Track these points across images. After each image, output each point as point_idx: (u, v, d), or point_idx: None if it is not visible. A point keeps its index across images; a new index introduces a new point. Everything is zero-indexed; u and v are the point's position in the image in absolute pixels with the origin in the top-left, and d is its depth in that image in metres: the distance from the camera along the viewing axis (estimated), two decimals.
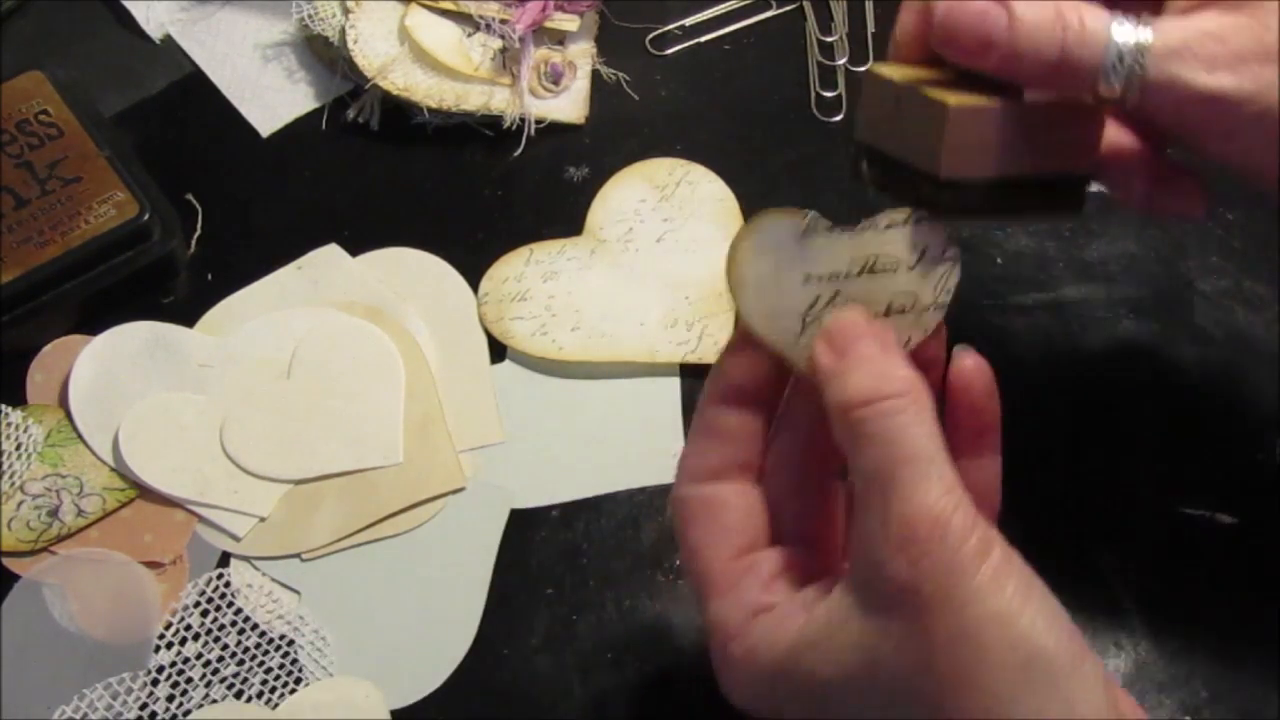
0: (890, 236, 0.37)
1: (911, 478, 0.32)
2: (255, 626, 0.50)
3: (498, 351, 0.56)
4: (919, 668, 0.31)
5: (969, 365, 0.38)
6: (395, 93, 0.60)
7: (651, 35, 0.65)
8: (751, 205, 0.59)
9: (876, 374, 0.34)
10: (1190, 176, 0.42)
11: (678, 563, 0.51)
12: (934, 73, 0.38)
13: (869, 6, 0.66)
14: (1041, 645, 0.31)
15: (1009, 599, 0.31)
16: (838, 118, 0.63)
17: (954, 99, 0.35)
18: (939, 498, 0.32)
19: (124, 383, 0.54)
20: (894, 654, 0.32)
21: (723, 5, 0.66)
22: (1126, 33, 0.35)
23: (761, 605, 0.35)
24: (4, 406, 0.53)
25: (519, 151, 0.62)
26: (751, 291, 0.37)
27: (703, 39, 0.65)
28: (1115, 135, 0.42)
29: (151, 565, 0.51)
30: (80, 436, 0.53)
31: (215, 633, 0.50)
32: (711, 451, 0.38)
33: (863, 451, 0.34)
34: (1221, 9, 0.35)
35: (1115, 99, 0.35)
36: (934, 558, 0.31)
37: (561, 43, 0.64)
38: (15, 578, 0.50)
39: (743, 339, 0.37)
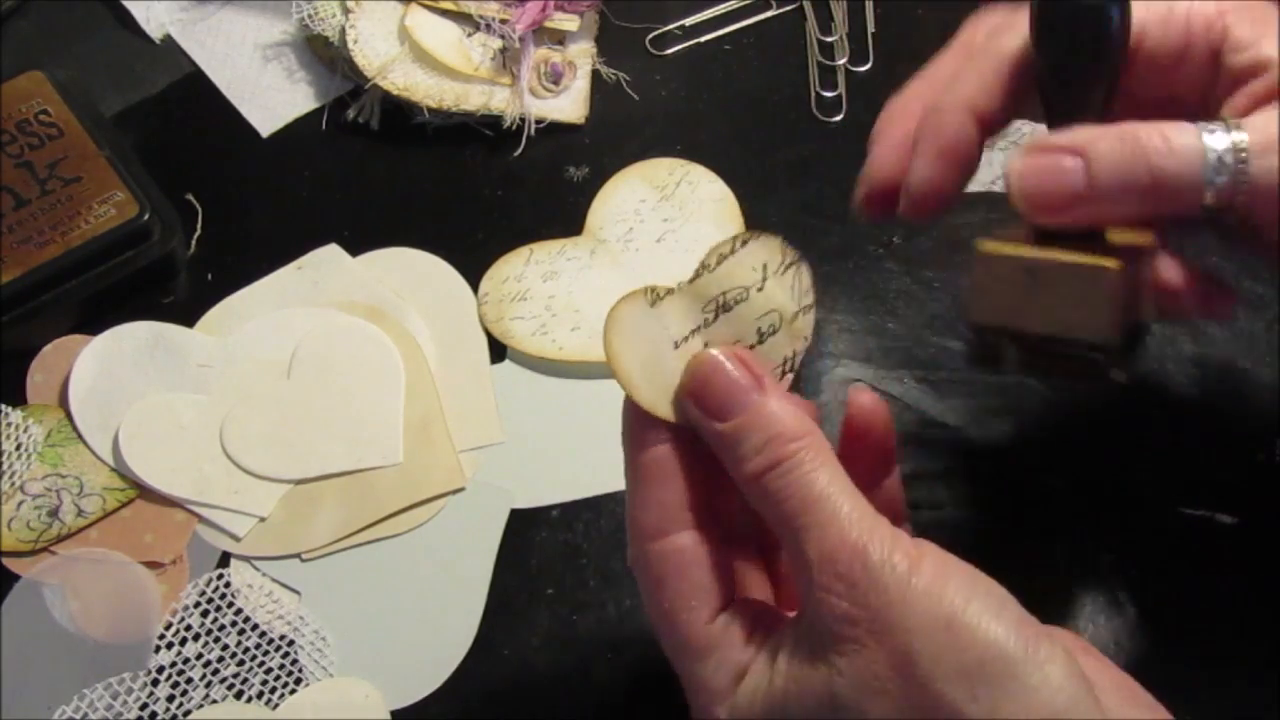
0: (727, 269, 0.36)
1: (820, 519, 0.32)
2: (255, 627, 0.50)
3: (498, 351, 0.56)
4: (875, 694, 0.31)
5: (868, 405, 0.37)
6: (395, 93, 0.60)
7: (651, 35, 0.65)
8: (752, 205, 0.59)
9: (765, 433, 0.33)
10: (1225, 286, 0.41)
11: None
12: (1020, 231, 0.36)
13: (869, 6, 0.66)
14: (991, 640, 0.30)
15: (950, 602, 0.31)
16: (838, 118, 0.63)
17: (1109, 260, 0.34)
18: (850, 528, 0.32)
19: (124, 383, 0.54)
20: (850, 688, 0.31)
21: (723, 5, 0.66)
22: (1220, 139, 0.34)
23: (743, 666, 0.34)
24: (4, 406, 0.53)
25: (519, 151, 0.62)
26: (641, 383, 0.36)
27: (703, 39, 0.65)
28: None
29: (151, 565, 0.51)
30: (80, 436, 0.53)
31: (215, 633, 0.50)
32: (660, 500, 0.35)
33: (771, 509, 0.33)
34: None
35: (1220, 207, 0.34)
36: (861, 585, 0.31)
37: (561, 43, 0.64)
38: (15, 578, 0.50)
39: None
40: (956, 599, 0.31)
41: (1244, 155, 0.34)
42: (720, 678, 0.34)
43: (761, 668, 0.34)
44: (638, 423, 0.36)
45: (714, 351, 0.35)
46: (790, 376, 0.36)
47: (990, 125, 0.37)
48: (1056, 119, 0.35)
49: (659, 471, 0.36)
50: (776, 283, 0.36)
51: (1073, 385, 0.35)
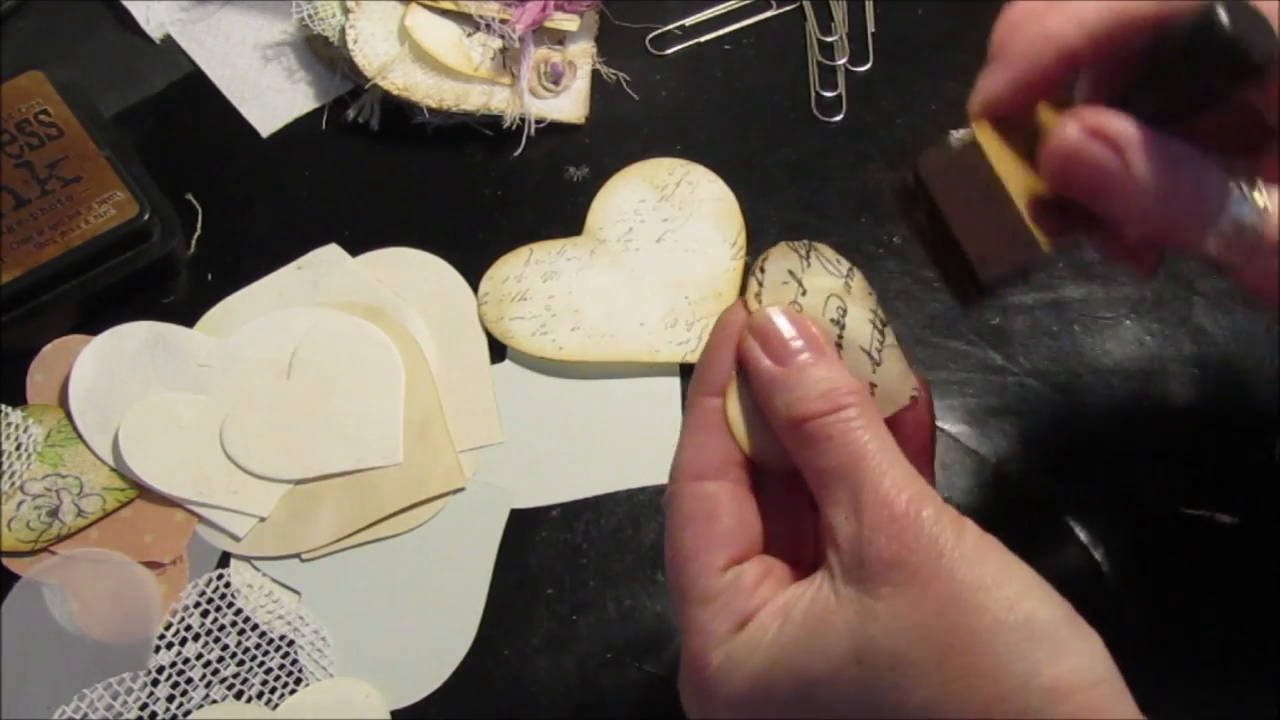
0: (770, 297, 0.37)
1: (879, 467, 0.33)
2: (255, 627, 0.50)
3: (498, 351, 0.56)
4: (915, 640, 0.31)
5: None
6: (395, 93, 0.60)
7: (651, 35, 0.65)
8: (752, 205, 0.59)
9: (825, 385, 0.34)
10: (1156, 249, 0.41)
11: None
12: (1019, 142, 0.36)
13: (869, 6, 0.66)
14: (1035, 606, 0.31)
15: (995, 567, 0.31)
16: (838, 118, 0.62)
17: (1046, 243, 0.34)
18: (906, 482, 0.33)
19: (124, 383, 0.54)
20: (886, 633, 0.31)
21: (723, 5, 0.66)
22: (1245, 211, 0.33)
23: (746, 614, 0.34)
24: (4, 406, 0.53)
25: (519, 151, 0.62)
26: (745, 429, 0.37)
27: (703, 39, 0.65)
28: None
29: (151, 565, 0.51)
30: (80, 436, 0.53)
31: (215, 633, 0.50)
32: (710, 446, 0.37)
33: (822, 453, 0.34)
34: None
35: (1217, 262, 0.34)
36: (916, 531, 0.32)
37: (561, 43, 0.63)
38: (15, 578, 0.50)
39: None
40: (1000, 566, 0.32)
41: (1258, 235, 0.33)
42: (720, 623, 0.34)
43: (769, 618, 0.34)
44: (712, 369, 0.37)
45: (778, 310, 0.36)
46: (886, 335, 0.37)
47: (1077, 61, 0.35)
48: (1132, 97, 0.34)
49: (715, 421, 0.37)
50: (810, 275, 0.37)
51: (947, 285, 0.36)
